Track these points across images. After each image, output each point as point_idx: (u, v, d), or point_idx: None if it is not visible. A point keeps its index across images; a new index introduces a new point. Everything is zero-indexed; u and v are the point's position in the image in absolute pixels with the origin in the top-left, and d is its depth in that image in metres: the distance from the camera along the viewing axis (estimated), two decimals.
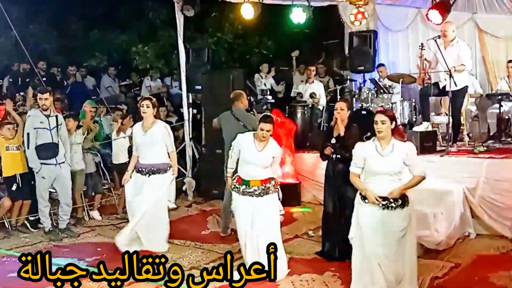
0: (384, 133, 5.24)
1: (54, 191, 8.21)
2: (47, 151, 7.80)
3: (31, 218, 8.41)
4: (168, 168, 7.28)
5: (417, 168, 5.30)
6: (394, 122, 5.28)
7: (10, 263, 6.79)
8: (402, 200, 5.24)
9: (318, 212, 7.85)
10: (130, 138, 8.51)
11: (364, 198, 5.34)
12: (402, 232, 5.24)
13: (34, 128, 7.78)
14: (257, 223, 6.18)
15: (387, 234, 5.23)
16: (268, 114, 6.38)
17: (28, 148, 7.79)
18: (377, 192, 5.25)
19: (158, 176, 7.16)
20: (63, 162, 7.98)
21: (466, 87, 8.93)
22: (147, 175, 7.17)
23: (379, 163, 5.27)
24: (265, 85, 13.00)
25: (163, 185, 7.23)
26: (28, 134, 7.78)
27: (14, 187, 8.11)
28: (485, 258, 6.87)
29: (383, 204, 5.22)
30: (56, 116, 8.00)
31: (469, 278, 6.19)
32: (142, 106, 7.23)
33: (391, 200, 5.20)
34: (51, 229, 8.00)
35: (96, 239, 8.05)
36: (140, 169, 7.24)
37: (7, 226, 8.23)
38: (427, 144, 8.73)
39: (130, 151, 9.16)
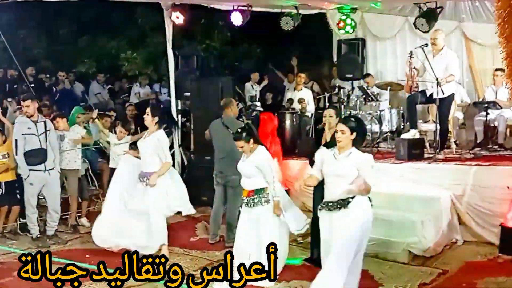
0: (342, 142, 5.21)
1: (42, 197, 8.17)
2: (35, 157, 7.76)
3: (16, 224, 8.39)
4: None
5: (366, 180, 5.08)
6: (354, 133, 5.20)
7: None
8: (347, 202, 5.10)
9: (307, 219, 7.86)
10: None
11: (322, 204, 5.32)
12: (351, 236, 5.09)
13: (22, 134, 7.74)
14: (250, 234, 6.28)
15: (334, 236, 5.14)
16: (238, 130, 6.40)
17: (16, 154, 7.75)
18: (328, 196, 5.23)
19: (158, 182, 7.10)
20: (52, 169, 7.94)
21: (453, 94, 8.99)
22: (142, 181, 7.14)
23: (332, 165, 5.23)
24: (256, 93, 13.06)
25: (156, 193, 7.11)
26: (16, 140, 7.75)
27: None
28: (472, 264, 6.92)
29: (326, 208, 5.20)
30: (45, 122, 7.96)
31: (456, 285, 6.23)
32: (144, 114, 7.27)
33: (334, 202, 5.13)
34: (38, 235, 7.95)
35: (84, 245, 8.01)
36: (140, 175, 7.23)
37: None
38: (414, 151, 8.77)
39: None
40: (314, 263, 6.86)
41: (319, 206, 5.36)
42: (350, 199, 5.10)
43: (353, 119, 5.45)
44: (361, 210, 5.12)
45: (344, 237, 5.05)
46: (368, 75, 11.65)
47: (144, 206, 7.09)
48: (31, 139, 7.77)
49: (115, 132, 9.88)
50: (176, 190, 7.44)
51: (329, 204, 5.19)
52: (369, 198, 5.21)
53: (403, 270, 6.63)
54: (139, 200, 7.16)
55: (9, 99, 11.96)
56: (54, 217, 8.04)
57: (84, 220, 9.16)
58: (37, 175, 7.81)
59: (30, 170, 7.76)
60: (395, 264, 6.77)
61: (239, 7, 10.85)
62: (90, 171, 9.66)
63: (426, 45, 8.77)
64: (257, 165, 6.30)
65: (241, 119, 9.13)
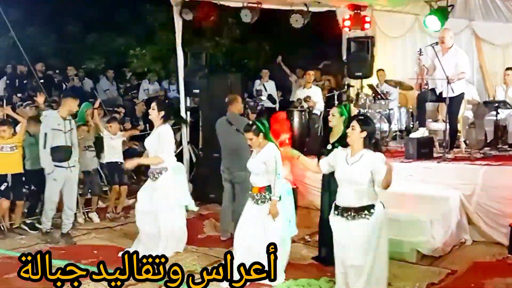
0: (350, 138, 5.22)
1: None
2: (62, 153, 7.72)
3: (28, 221, 8.42)
4: (164, 168, 7.16)
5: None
6: (364, 132, 5.18)
7: (6, 264, 6.76)
8: (365, 211, 5.13)
9: (315, 217, 7.84)
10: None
11: (335, 208, 5.32)
12: (369, 243, 5.14)
13: (52, 129, 7.70)
14: (252, 232, 6.22)
15: (353, 244, 5.17)
16: (249, 123, 6.36)
17: (44, 148, 7.67)
18: (339, 201, 5.25)
19: (161, 179, 7.11)
20: (74, 166, 7.95)
21: (463, 93, 8.95)
22: (152, 179, 7.15)
23: (343, 170, 5.24)
24: (266, 90, 13.08)
25: (168, 187, 7.15)
26: (45, 134, 7.67)
27: (2, 187, 8.07)
28: (481, 264, 6.88)
29: (342, 215, 5.19)
30: (70, 120, 7.96)
31: (465, 285, 6.20)
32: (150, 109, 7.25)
33: (351, 211, 5.14)
34: (48, 230, 7.91)
35: (92, 241, 8.04)
36: (148, 173, 7.26)
37: (2, 228, 8.23)
38: (424, 150, 8.73)
39: (124, 153, 9.29)
40: (322, 261, 6.87)
41: (333, 211, 5.34)
42: (368, 210, 5.12)
43: (363, 117, 5.46)
44: (377, 217, 5.15)
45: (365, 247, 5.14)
46: (380, 69, 11.59)
47: (152, 206, 7.13)
48: (59, 135, 7.73)
49: (124, 129, 9.94)
50: (181, 186, 7.40)
51: (346, 212, 5.18)
52: (381, 202, 5.24)
53: (412, 270, 6.61)
54: (146, 200, 7.19)
55: (19, 95, 12.02)
56: (69, 214, 8.00)
57: (94, 215, 9.20)
58: (61, 171, 7.77)
59: (55, 166, 7.72)
60: (404, 263, 6.74)
61: (249, 4, 10.83)
62: (104, 163, 9.65)
63: (437, 43, 8.74)
64: (264, 161, 6.25)
65: (245, 114, 9.09)
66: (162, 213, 7.10)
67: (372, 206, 5.15)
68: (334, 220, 5.33)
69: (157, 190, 7.12)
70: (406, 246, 6.95)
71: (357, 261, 5.19)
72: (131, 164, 7.43)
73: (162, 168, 7.12)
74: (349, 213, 5.16)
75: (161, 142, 7.09)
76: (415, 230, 7.12)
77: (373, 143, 5.25)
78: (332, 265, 6.50)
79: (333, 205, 5.36)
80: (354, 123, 5.23)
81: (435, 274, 6.47)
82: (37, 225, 8.35)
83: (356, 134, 5.19)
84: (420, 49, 9.01)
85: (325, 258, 6.84)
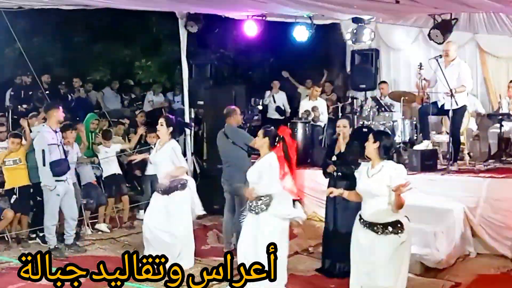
0: (367, 151, 5.23)
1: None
2: (61, 167, 7.74)
3: (33, 235, 8.46)
4: (183, 184, 7.24)
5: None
6: (378, 142, 5.17)
7: (10, 275, 6.78)
8: (393, 227, 5.08)
9: (319, 228, 7.85)
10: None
11: (359, 219, 5.29)
12: (400, 262, 5.13)
13: (48, 145, 7.70)
14: (245, 240, 6.22)
15: (381, 262, 5.11)
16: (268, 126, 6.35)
17: (44, 165, 7.68)
18: (364, 215, 5.22)
19: (174, 194, 7.17)
20: (69, 177, 7.99)
21: (465, 106, 8.97)
22: (162, 193, 7.22)
23: (363, 183, 5.23)
24: (274, 101, 13.16)
25: (182, 203, 7.23)
26: (43, 151, 7.67)
27: (13, 200, 8.13)
28: (485, 277, 6.89)
29: (369, 228, 5.15)
30: (58, 132, 7.99)
31: None
32: (158, 124, 7.31)
33: (378, 225, 5.09)
34: (56, 246, 7.86)
35: (96, 252, 8.04)
36: (157, 188, 7.34)
37: (7, 239, 8.23)
38: (427, 162, 8.74)
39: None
40: (325, 273, 6.86)
41: (358, 222, 5.30)
42: (395, 226, 5.07)
43: (378, 130, 5.49)
44: (407, 234, 5.13)
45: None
46: (382, 82, 11.61)
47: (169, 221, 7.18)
48: (54, 149, 7.76)
49: (129, 140, 9.98)
50: (195, 198, 7.51)
51: (372, 226, 5.13)
52: (406, 217, 5.21)
53: (416, 282, 6.57)
54: (160, 215, 7.22)
55: (24, 106, 12.06)
56: (72, 225, 8.03)
57: (103, 226, 9.23)
58: (61, 185, 7.80)
59: (56, 181, 7.73)
60: (407, 276, 6.71)
61: (254, 17, 10.88)
62: (102, 178, 9.69)
63: (441, 56, 8.78)
64: (259, 170, 6.17)
65: (242, 124, 9.07)
66: (179, 228, 7.19)
67: (399, 222, 5.09)
68: (359, 234, 5.26)
69: (175, 205, 7.20)
70: (410, 258, 6.90)
71: (387, 283, 5.10)
72: (165, 180, 7.28)
73: (182, 181, 7.24)
74: (376, 227, 5.10)
75: (178, 154, 7.28)
76: (419, 242, 7.09)
77: (392, 155, 5.27)
78: (335, 277, 6.54)
79: (358, 216, 5.32)
80: (370, 135, 5.26)
81: (439, 287, 6.46)
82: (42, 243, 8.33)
83: (370, 146, 5.22)
84: (421, 63, 9.05)
85: (329, 270, 6.85)
